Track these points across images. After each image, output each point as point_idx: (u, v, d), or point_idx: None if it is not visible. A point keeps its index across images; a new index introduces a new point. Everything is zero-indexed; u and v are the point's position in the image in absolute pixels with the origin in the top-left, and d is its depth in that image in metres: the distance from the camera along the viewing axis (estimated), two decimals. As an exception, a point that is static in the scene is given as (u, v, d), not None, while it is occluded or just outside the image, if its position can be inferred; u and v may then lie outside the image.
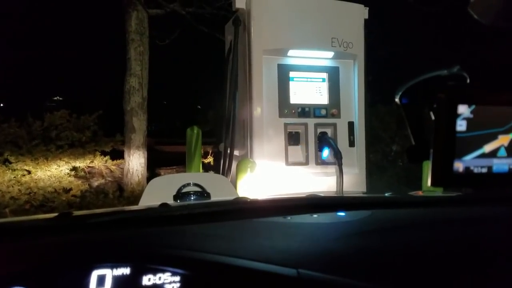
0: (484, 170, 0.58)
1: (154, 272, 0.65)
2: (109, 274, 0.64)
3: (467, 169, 0.57)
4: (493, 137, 0.57)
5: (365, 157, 3.27)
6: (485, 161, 0.58)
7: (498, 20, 0.54)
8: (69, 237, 0.75)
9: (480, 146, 0.57)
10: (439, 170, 0.56)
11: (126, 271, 0.65)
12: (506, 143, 0.58)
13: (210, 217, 0.93)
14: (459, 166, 0.56)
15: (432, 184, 0.56)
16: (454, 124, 0.55)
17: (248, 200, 1.12)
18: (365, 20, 3.22)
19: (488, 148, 0.57)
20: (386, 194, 1.34)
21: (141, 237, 0.78)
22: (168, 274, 0.66)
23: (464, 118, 0.55)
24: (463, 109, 0.55)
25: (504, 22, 0.54)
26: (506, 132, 0.57)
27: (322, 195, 1.32)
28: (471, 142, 0.56)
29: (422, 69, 0.65)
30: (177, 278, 0.65)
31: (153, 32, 5.59)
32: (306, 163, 3.05)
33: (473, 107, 0.55)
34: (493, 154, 0.58)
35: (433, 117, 0.58)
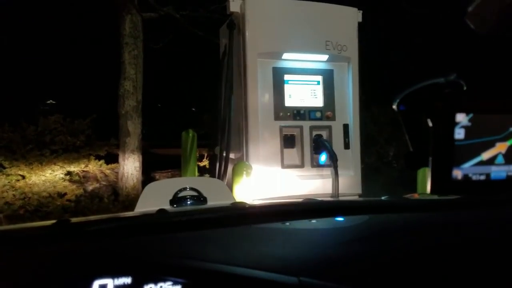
0: (482, 177, 0.58)
1: (156, 281, 0.65)
2: (111, 283, 0.64)
3: (465, 176, 0.57)
4: (490, 144, 0.58)
5: (360, 159, 3.28)
6: (483, 169, 0.58)
7: (494, 31, 0.55)
8: (69, 246, 0.75)
9: (478, 153, 0.57)
10: (438, 178, 0.56)
11: (127, 280, 0.65)
12: (503, 151, 0.59)
13: (209, 223, 0.93)
14: (457, 173, 0.57)
15: (432, 191, 0.56)
16: (452, 132, 0.55)
17: (247, 206, 1.12)
18: (359, 23, 3.24)
19: (486, 155, 0.58)
20: (383, 198, 1.35)
21: (141, 245, 0.78)
22: (170, 283, 0.65)
23: (462, 126, 0.56)
24: (461, 118, 0.55)
25: (500, 33, 0.55)
26: (503, 139, 0.58)
27: (318, 198, 1.32)
28: (469, 150, 0.57)
29: (416, 72, 0.65)
30: (179, 287, 0.65)
31: (147, 35, 5.58)
32: (301, 165, 3.05)
33: (470, 115, 0.56)
34: (491, 161, 0.58)
35: (430, 124, 0.58)
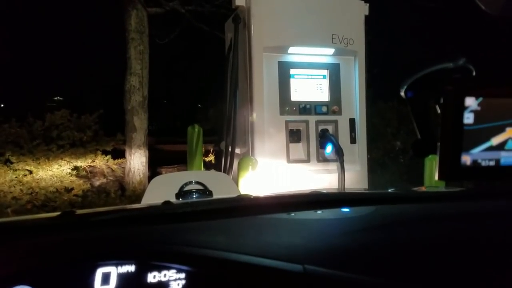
0: (492, 163, 0.57)
1: (159, 269, 0.65)
2: (114, 271, 0.64)
3: (474, 162, 0.56)
4: (500, 129, 0.56)
5: (366, 154, 3.26)
6: (493, 154, 0.57)
7: (505, 9, 0.53)
8: (73, 235, 0.75)
9: (487, 138, 0.56)
10: (446, 164, 0.55)
11: (131, 268, 0.65)
12: None
13: (213, 214, 0.92)
14: (466, 159, 0.56)
15: (440, 177, 0.55)
16: (461, 116, 0.54)
17: (251, 197, 1.11)
18: (366, 17, 3.21)
19: (495, 140, 0.57)
20: (390, 190, 1.34)
21: (145, 234, 0.77)
22: (173, 271, 0.65)
23: (471, 111, 0.55)
24: (471, 102, 0.54)
25: (511, 12, 0.54)
26: None
27: (324, 191, 1.31)
28: (479, 135, 0.56)
29: (424, 65, 0.64)
30: (182, 275, 0.65)
31: (153, 30, 5.59)
32: (307, 160, 3.04)
33: (480, 99, 0.55)
34: (500, 146, 0.57)
35: (439, 110, 0.57)
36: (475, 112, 0.55)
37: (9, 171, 4.63)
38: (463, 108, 0.54)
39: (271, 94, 2.98)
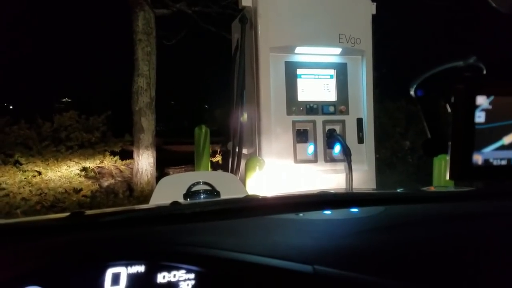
0: (504, 162, 0.56)
1: (169, 269, 0.65)
2: (124, 272, 0.64)
3: (486, 161, 0.56)
4: None
5: (374, 154, 3.24)
6: (505, 153, 0.56)
7: None
8: (83, 236, 0.75)
9: (499, 137, 0.55)
10: (457, 163, 0.54)
11: (140, 269, 0.65)
12: None
13: (221, 214, 0.92)
14: (478, 158, 0.55)
15: (451, 177, 0.55)
16: (472, 115, 0.54)
17: (259, 197, 1.11)
18: (373, 16, 3.20)
19: (507, 139, 0.56)
20: (398, 190, 1.33)
21: (154, 235, 0.77)
22: (183, 271, 0.65)
23: (482, 110, 0.54)
24: (482, 100, 0.54)
25: None
26: None
27: (332, 192, 1.31)
28: (490, 134, 0.55)
29: (433, 64, 0.64)
30: (192, 275, 0.65)
31: (160, 32, 5.61)
32: (314, 160, 3.03)
33: (491, 98, 0.54)
34: None
35: (449, 110, 0.57)
36: (486, 110, 0.54)
37: (18, 172, 4.67)
38: (474, 107, 0.54)
39: (278, 94, 2.98)
